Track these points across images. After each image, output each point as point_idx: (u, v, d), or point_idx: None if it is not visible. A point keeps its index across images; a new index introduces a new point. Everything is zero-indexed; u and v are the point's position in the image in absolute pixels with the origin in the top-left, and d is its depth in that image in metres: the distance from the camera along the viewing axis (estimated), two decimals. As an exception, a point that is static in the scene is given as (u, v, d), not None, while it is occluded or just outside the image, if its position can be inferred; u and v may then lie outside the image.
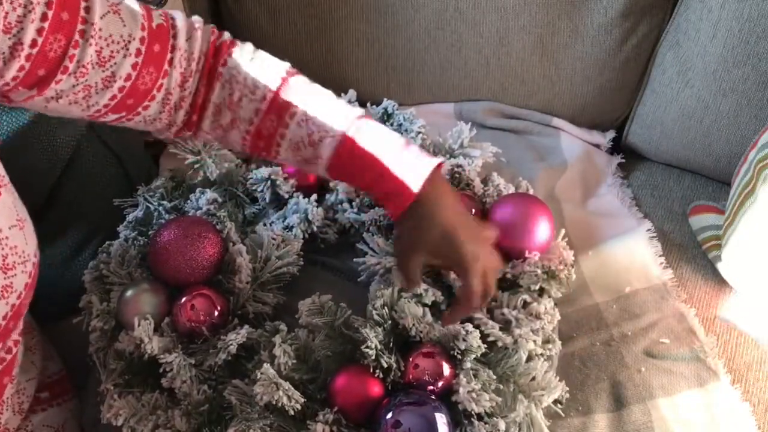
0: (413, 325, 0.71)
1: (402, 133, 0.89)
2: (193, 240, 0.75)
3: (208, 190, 0.85)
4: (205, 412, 0.70)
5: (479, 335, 0.72)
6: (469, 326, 0.72)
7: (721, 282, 0.90)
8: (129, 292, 0.76)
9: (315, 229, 0.84)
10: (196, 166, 0.86)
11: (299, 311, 0.75)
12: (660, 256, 0.92)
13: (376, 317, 0.72)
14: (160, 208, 0.85)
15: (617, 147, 1.13)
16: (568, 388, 0.73)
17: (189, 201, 0.86)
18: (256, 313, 0.78)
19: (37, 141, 0.81)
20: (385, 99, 1.02)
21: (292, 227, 0.83)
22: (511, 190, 0.90)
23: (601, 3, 1.01)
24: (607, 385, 0.78)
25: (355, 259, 0.82)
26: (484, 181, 0.92)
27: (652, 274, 0.90)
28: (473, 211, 0.86)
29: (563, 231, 0.87)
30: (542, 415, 0.70)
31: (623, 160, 1.09)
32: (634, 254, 0.92)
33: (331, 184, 0.89)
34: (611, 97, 1.10)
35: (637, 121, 1.11)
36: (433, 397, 0.68)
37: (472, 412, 0.67)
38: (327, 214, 0.86)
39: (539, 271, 0.79)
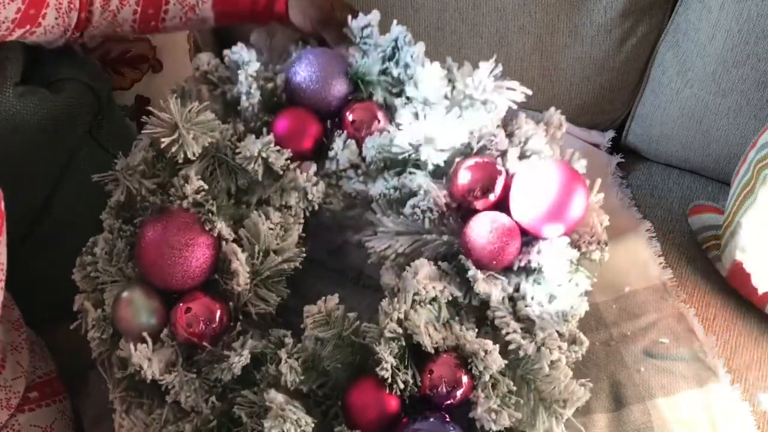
0: (428, 336, 0.65)
1: (400, 75, 0.77)
2: (181, 249, 0.68)
3: (192, 173, 0.71)
4: (215, 428, 0.66)
5: (499, 356, 0.64)
6: (489, 344, 0.64)
7: (721, 282, 0.90)
8: (123, 299, 0.69)
9: (316, 207, 0.75)
10: (174, 146, 0.70)
11: (304, 322, 0.68)
12: (660, 256, 0.91)
13: (389, 334, 0.64)
14: (143, 189, 0.73)
15: (617, 147, 1.11)
16: (590, 395, 0.66)
17: (173, 187, 0.72)
18: (259, 313, 0.72)
19: (31, 148, 0.81)
20: (395, 25, 0.80)
21: (290, 207, 0.74)
22: (548, 153, 0.73)
23: (601, 3, 1.00)
24: (606, 385, 0.76)
25: (363, 238, 0.74)
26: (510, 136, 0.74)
27: (652, 274, 0.89)
28: (495, 184, 0.69)
29: (597, 196, 0.73)
30: (563, 430, 0.65)
31: (623, 160, 1.07)
32: (634, 254, 0.91)
33: (331, 153, 0.75)
34: (611, 97, 1.08)
35: (636, 121, 1.09)
36: (448, 419, 0.63)
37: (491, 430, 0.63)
38: (330, 181, 0.76)
39: (569, 257, 0.68)
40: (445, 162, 0.73)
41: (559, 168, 0.68)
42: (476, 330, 0.67)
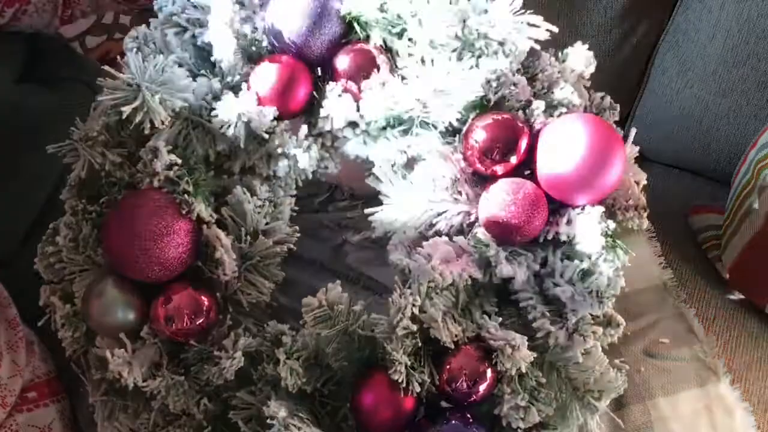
0: (447, 330, 0.56)
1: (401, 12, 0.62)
2: (155, 240, 0.57)
3: (162, 144, 0.59)
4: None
5: (528, 351, 0.55)
6: (516, 338, 0.55)
7: (721, 282, 0.90)
8: (94, 293, 0.59)
9: (309, 176, 0.64)
10: (138, 114, 0.58)
11: (303, 318, 0.58)
12: (660, 256, 0.91)
13: (402, 331, 0.56)
14: (107, 163, 0.61)
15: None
16: (626, 385, 0.59)
17: (141, 162, 0.60)
18: (251, 303, 0.62)
19: (30, 148, 0.81)
20: None
21: (278, 176, 0.63)
22: (577, 102, 0.62)
23: (601, 3, 1.00)
24: (606, 385, 0.78)
25: (366, 211, 0.63)
26: (531, 81, 0.62)
27: (652, 274, 0.88)
28: (517, 144, 0.58)
29: (633, 149, 0.62)
30: (598, 423, 0.58)
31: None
32: (634, 254, 0.91)
33: (323, 110, 0.62)
34: (610, 97, 1.09)
35: (636, 122, 1.08)
36: (471, 420, 0.56)
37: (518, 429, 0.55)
38: (323, 141, 0.64)
39: (605, 228, 0.59)
40: (458, 119, 0.61)
41: (592, 123, 0.58)
42: (498, 312, 0.59)
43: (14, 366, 0.73)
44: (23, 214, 0.80)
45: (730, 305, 0.87)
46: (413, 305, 0.55)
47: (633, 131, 0.61)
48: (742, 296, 0.87)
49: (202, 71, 0.64)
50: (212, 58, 0.64)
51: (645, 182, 0.61)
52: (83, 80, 0.83)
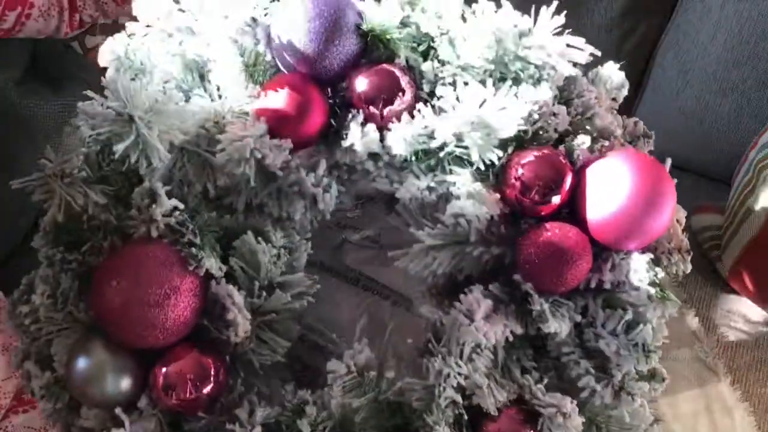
0: (492, 397, 0.50)
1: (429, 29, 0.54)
2: (158, 306, 0.48)
3: (159, 186, 0.49)
4: None
5: (578, 417, 0.49)
6: (566, 404, 0.49)
7: (721, 282, 0.90)
8: (79, 359, 0.50)
9: (328, 216, 0.54)
10: (133, 151, 0.47)
11: (330, 385, 0.51)
12: (660, 256, 0.91)
13: (444, 402, 0.49)
14: (89, 204, 0.50)
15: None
16: None
17: (134, 206, 0.50)
18: (263, 364, 0.53)
19: (30, 147, 0.81)
20: None
21: (292, 218, 0.54)
22: (618, 133, 0.56)
23: (601, 3, 0.99)
24: (606, 386, 0.77)
25: (390, 254, 0.54)
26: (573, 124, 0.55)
27: (653, 274, 0.89)
28: (561, 184, 0.52)
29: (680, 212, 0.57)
30: None
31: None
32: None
33: (345, 142, 0.53)
34: (611, 97, 1.09)
35: (636, 121, 1.10)
36: None
37: None
38: (339, 174, 0.55)
39: (653, 276, 0.53)
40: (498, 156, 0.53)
41: (642, 162, 0.52)
42: (537, 368, 0.53)
43: (10, 368, 0.73)
44: (22, 214, 0.80)
45: (730, 305, 0.87)
46: (457, 375, 0.48)
47: (668, 161, 0.56)
48: (742, 296, 0.87)
49: (195, 90, 0.54)
50: (208, 77, 0.55)
51: (688, 244, 0.56)
52: (84, 80, 0.84)
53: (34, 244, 0.53)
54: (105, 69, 0.55)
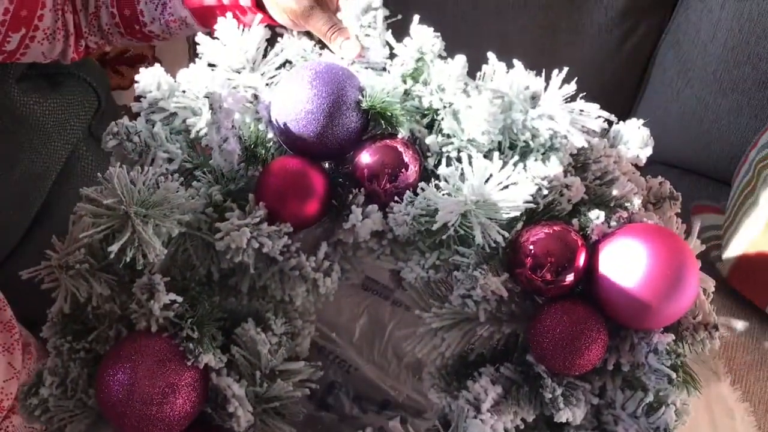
0: None
1: (432, 101, 0.53)
2: (157, 403, 0.49)
3: (159, 280, 0.49)
4: None
5: None
6: None
7: (721, 282, 0.90)
8: None
9: (331, 299, 0.55)
10: (129, 249, 0.46)
11: None
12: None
13: None
14: (93, 296, 0.50)
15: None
16: None
17: (134, 299, 0.49)
18: None
19: (29, 145, 0.81)
20: (417, 24, 0.55)
21: (293, 300, 0.53)
22: (637, 203, 0.52)
23: (601, 3, 0.99)
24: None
25: (397, 333, 0.57)
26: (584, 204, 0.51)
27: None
28: (573, 262, 0.48)
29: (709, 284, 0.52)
30: None
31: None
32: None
33: (346, 224, 0.51)
34: (611, 97, 1.09)
35: (637, 121, 1.10)
36: None
37: None
38: (343, 251, 0.55)
39: (674, 360, 0.49)
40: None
41: (662, 238, 0.48)
42: None
43: (10, 368, 0.73)
44: (21, 213, 0.80)
45: (730, 305, 0.87)
46: None
47: (697, 225, 0.52)
48: (742, 296, 0.87)
49: (198, 171, 0.53)
50: (210, 162, 0.53)
51: (712, 292, 0.51)
52: (83, 77, 0.84)
53: (43, 334, 0.53)
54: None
